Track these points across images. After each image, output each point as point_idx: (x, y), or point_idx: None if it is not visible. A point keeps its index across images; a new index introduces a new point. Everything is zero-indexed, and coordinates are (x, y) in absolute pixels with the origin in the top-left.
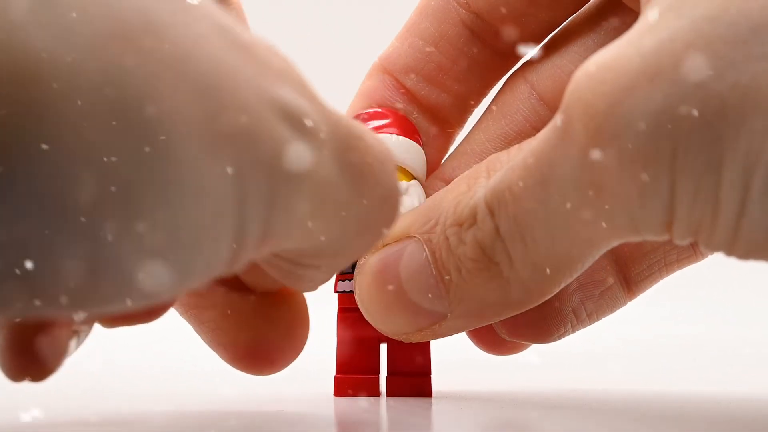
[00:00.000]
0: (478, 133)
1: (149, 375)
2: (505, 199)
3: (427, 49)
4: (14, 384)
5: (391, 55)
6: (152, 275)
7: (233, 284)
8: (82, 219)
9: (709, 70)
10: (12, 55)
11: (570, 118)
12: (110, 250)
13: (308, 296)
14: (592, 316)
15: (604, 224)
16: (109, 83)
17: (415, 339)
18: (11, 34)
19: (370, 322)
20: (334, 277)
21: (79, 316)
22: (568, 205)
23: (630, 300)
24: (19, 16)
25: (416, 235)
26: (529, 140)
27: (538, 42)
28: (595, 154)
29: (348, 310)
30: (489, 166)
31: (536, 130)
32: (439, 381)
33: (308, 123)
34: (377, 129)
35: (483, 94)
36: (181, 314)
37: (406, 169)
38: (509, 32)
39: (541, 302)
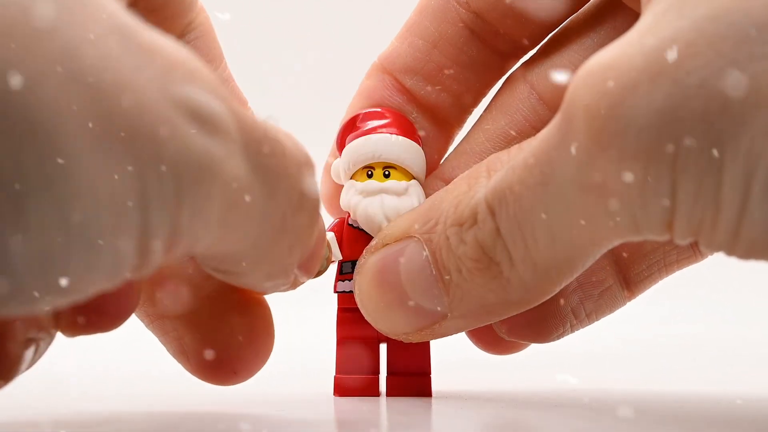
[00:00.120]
0: (477, 133)
1: (149, 376)
2: (506, 198)
3: (427, 49)
4: None
5: (390, 55)
6: (46, 275)
7: (196, 294)
8: None
9: (710, 70)
10: None
11: (571, 118)
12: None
13: (308, 296)
14: (592, 316)
15: (605, 224)
16: None
17: (415, 339)
18: None
19: (370, 322)
20: (334, 278)
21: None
22: (569, 205)
23: (629, 300)
24: None
25: (416, 235)
26: (529, 140)
27: (537, 42)
28: (597, 154)
29: (348, 310)
30: (489, 165)
31: (536, 129)
32: (439, 381)
33: (216, 122)
34: (377, 129)
35: (482, 93)
36: (146, 325)
37: (406, 168)
38: (509, 32)
39: (541, 302)
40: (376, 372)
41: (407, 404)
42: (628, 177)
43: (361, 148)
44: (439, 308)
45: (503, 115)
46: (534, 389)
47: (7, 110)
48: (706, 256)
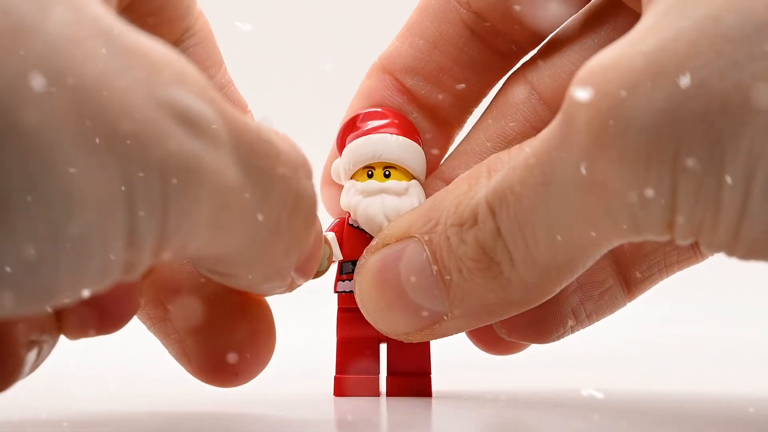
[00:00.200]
0: (478, 133)
1: (149, 376)
2: (506, 199)
3: (428, 49)
4: None
5: (391, 55)
6: (33, 278)
7: (197, 296)
8: None
9: (711, 70)
10: None
11: (572, 118)
12: None
13: (308, 296)
14: (592, 316)
15: (606, 224)
16: None
17: (415, 339)
18: None
19: (370, 322)
20: (334, 278)
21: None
22: (570, 205)
23: (629, 301)
24: None
25: (416, 235)
26: (530, 140)
27: (538, 42)
28: (597, 154)
29: (348, 310)
30: (490, 166)
31: (536, 129)
32: (439, 381)
33: (204, 124)
34: (377, 129)
35: (483, 93)
36: (148, 328)
37: (406, 168)
38: (509, 32)
39: (541, 302)
40: (376, 372)
41: (407, 404)
42: (629, 177)
43: (361, 148)
44: (439, 308)
45: (504, 116)
46: (534, 389)
47: None
48: (707, 257)
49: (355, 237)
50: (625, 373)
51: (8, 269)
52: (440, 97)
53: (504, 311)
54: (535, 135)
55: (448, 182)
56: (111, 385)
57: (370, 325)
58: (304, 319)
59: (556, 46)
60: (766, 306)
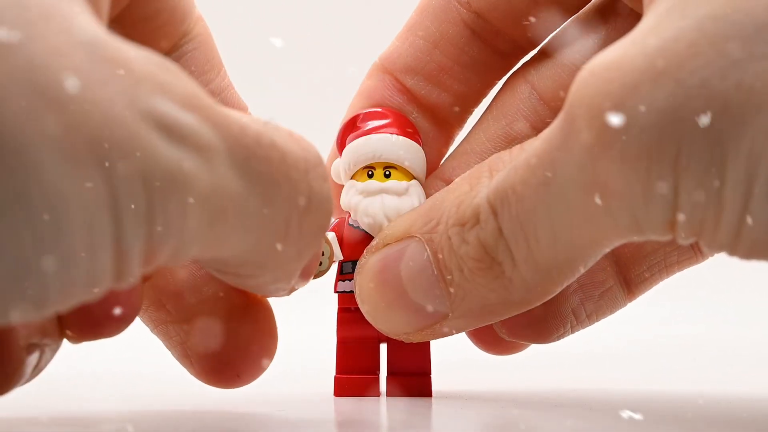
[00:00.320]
0: (478, 133)
1: (149, 376)
2: (508, 199)
3: (428, 49)
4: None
5: (391, 55)
6: (21, 289)
7: (199, 298)
8: None
9: (712, 70)
10: None
11: (574, 118)
12: None
13: (309, 296)
14: (592, 316)
15: (607, 224)
16: None
17: (416, 339)
18: None
19: (370, 322)
20: (334, 278)
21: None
22: (572, 205)
23: (630, 301)
24: None
25: (417, 235)
26: (531, 140)
27: (538, 42)
28: (599, 154)
29: (348, 310)
30: (491, 165)
31: (536, 130)
32: (439, 381)
33: (188, 133)
34: (377, 129)
35: (483, 93)
36: (151, 330)
37: (406, 168)
38: (510, 32)
39: (542, 302)
40: (376, 372)
41: (407, 404)
42: (630, 177)
43: (361, 148)
44: (440, 308)
45: (504, 116)
46: (534, 389)
47: None
48: (707, 258)
49: (355, 237)
50: (625, 373)
51: None
52: (440, 97)
53: (505, 311)
54: (535, 135)
55: (448, 182)
56: (111, 385)
57: (370, 325)
58: (304, 319)
59: (556, 46)
60: (766, 306)
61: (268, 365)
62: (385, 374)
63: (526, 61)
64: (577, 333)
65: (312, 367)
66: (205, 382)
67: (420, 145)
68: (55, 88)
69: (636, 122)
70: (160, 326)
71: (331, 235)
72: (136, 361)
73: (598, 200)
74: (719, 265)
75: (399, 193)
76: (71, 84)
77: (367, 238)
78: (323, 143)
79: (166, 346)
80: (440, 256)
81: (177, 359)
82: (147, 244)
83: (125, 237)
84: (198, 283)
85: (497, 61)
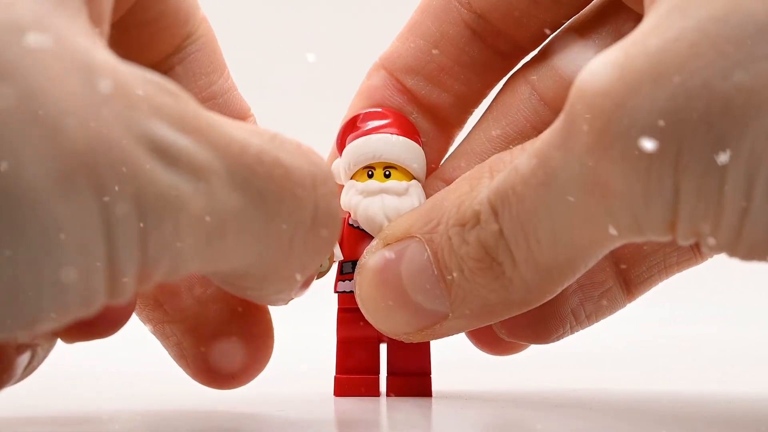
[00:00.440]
0: (478, 133)
1: (149, 376)
2: (508, 199)
3: (428, 49)
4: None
5: (391, 55)
6: (16, 310)
7: (196, 298)
8: None
9: (713, 71)
10: None
11: (574, 119)
12: None
13: (309, 296)
14: (591, 317)
15: (607, 224)
16: None
17: (416, 339)
18: None
19: (370, 322)
20: (334, 278)
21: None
22: (572, 205)
23: (629, 302)
24: None
25: (418, 235)
26: (532, 140)
27: (539, 43)
28: (599, 154)
29: (348, 310)
30: (492, 166)
31: (537, 130)
32: (439, 381)
33: (183, 156)
34: (377, 129)
35: (483, 94)
36: (150, 330)
37: (406, 168)
38: (510, 32)
39: (543, 303)
40: (377, 372)
41: (407, 404)
42: (631, 177)
43: (361, 148)
44: (440, 308)
45: (504, 116)
46: (534, 389)
47: None
48: (706, 258)
49: (355, 237)
50: (625, 373)
51: None
52: (441, 97)
53: (505, 311)
54: (536, 135)
55: (448, 182)
56: (110, 385)
57: (370, 325)
58: (304, 319)
59: (557, 46)
60: (766, 306)
61: (264, 367)
62: (385, 374)
63: (527, 62)
64: (576, 333)
65: (312, 367)
66: (201, 383)
67: (420, 145)
68: (50, 114)
69: (637, 123)
70: (157, 326)
71: None
72: (135, 361)
73: (598, 200)
74: (719, 266)
75: (399, 193)
76: (67, 110)
77: (367, 238)
78: (323, 143)
79: (163, 346)
80: (440, 256)
81: (174, 359)
82: (142, 265)
83: (119, 259)
84: (194, 283)
85: (498, 62)
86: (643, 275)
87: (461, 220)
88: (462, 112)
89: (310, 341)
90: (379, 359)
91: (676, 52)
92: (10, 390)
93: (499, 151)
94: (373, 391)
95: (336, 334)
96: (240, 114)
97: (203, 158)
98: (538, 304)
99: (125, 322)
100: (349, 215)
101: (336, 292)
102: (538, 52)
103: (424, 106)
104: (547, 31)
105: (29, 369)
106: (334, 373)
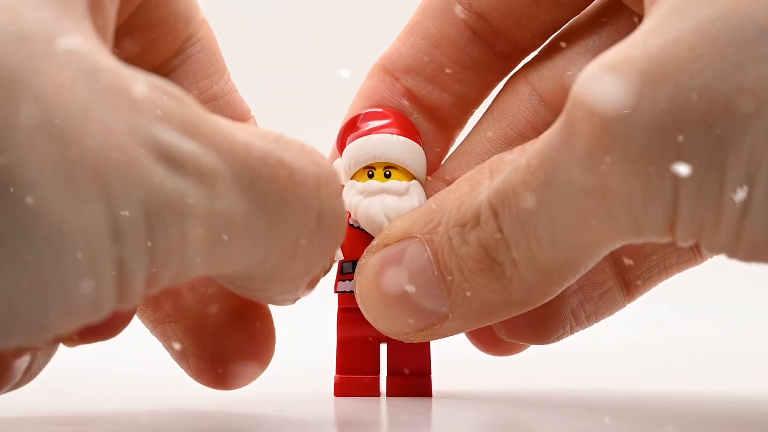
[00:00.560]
0: (478, 134)
1: (149, 376)
2: (508, 200)
3: (429, 50)
4: None
5: (392, 55)
6: (25, 316)
7: (197, 298)
8: None
9: (713, 72)
10: None
11: (574, 120)
12: None
13: (308, 297)
14: (591, 317)
15: (607, 225)
16: None
17: (416, 339)
18: None
19: (370, 322)
20: (334, 278)
21: None
22: (572, 206)
23: (629, 302)
24: None
25: (418, 236)
26: (532, 141)
27: (539, 43)
28: (599, 155)
29: (348, 310)
30: (492, 166)
31: (537, 131)
32: (439, 381)
33: (187, 161)
34: (378, 129)
35: (484, 94)
36: (150, 331)
37: (407, 169)
38: (511, 33)
39: (543, 303)
40: (377, 372)
41: (407, 404)
42: (631, 178)
43: (361, 148)
44: (440, 309)
45: (504, 117)
46: (534, 389)
47: None
48: (706, 259)
49: (355, 237)
50: (625, 373)
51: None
52: (441, 97)
53: (505, 312)
54: (536, 136)
55: (448, 183)
56: (110, 385)
57: (370, 325)
58: (304, 319)
59: (557, 47)
60: (766, 306)
61: (266, 367)
62: (385, 374)
63: (527, 62)
64: (576, 333)
65: (312, 367)
66: (202, 383)
67: (420, 145)
68: (57, 121)
69: (637, 124)
70: (158, 326)
71: None
72: (135, 361)
73: (598, 201)
74: (718, 266)
75: (399, 193)
76: (74, 117)
77: (367, 238)
78: (324, 144)
79: (164, 347)
80: (441, 256)
81: (175, 360)
82: (150, 270)
83: (128, 264)
84: (196, 283)
85: (498, 62)
86: (643, 276)
87: (461, 220)
88: (462, 113)
89: (310, 341)
90: (379, 359)
91: (676, 54)
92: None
93: (500, 152)
94: (373, 391)
95: (336, 334)
96: (241, 115)
97: (209, 162)
98: (538, 305)
99: (127, 325)
100: (350, 215)
101: (336, 292)
102: (539, 52)
103: (425, 106)
104: (547, 32)
105: (29, 374)
106: (334, 373)
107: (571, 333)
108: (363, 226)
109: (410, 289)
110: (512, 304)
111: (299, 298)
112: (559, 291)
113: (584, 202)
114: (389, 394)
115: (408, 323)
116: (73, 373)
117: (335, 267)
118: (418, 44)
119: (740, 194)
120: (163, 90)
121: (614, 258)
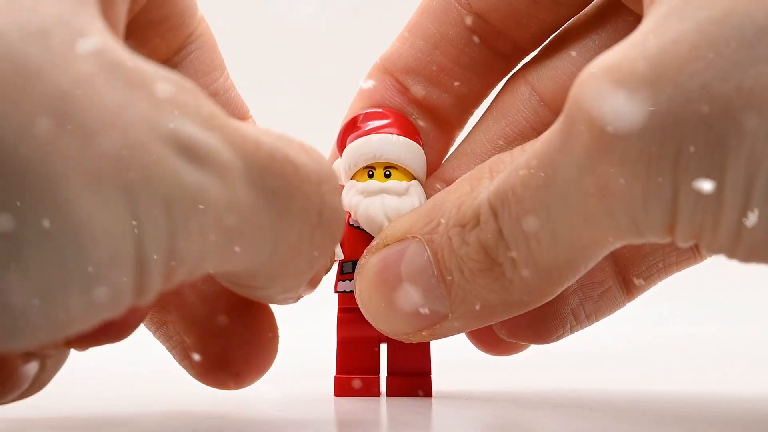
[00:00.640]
0: (478, 134)
1: (150, 376)
2: (508, 200)
3: (428, 50)
4: None
5: (392, 56)
6: (46, 312)
7: (200, 299)
8: None
9: (712, 73)
10: None
11: (574, 120)
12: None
13: (308, 297)
14: (591, 317)
15: (607, 225)
16: None
17: (416, 339)
18: None
19: (370, 322)
20: (334, 278)
21: None
22: (572, 207)
23: (629, 301)
24: None
25: (418, 236)
26: (532, 141)
27: (539, 43)
28: (599, 156)
29: (348, 310)
30: (492, 167)
31: (537, 131)
32: (439, 381)
33: (208, 155)
34: (378, 129)
35: (484, 94)
36: (153, 333)
37: (407, 169)
38: (510, 33)
39: (543, 303)
40: (377, 372)
41: (407, 404)
42: (630, 179)
43: (361, 148)
44: (440, 309)
45: (504, 117)
46: (534, 389)
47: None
48: (706, 258)
49: (355, 237)
50: (625, 373)
51: (22, 304)
52: (441, 97)
53: (505, 312)
54: (535, 136)
55: (448, 183)
56: (111, 385)
57: (370, 325)
58: (304, 319)
59: (557, 47)
60: (766, 306)
61: (269, 367)
62: (385, 374)
63: (527, 63)
64: (576, 333)
65: (312, 367)
66: (205, 384)
67: (420, 145)
68: (79, 117)
69: (636, 124)
70: (161, 327)
71: None
72: (136, 361)
73: (598, 202)
74: (718, 266)
75: (399, 193)
76: (94, 112)
77: (367, 238)
78: (324, 144)
79: (167, 348)
80: (441, 256)
81: (178, 361)
82: (168, 264)
83: (148, 258)
84: (198, 282)
85: (498, 62)
86: (643, 275)
87: (461, 220)
88: (462, 113)
89: (310, 341)
90: (379, 359)
91: (676, 54)
92: None
93: (499, 152)
94: (374, 391)
95: (336, 334)
96: (239, 114)
97: (225, 156)
98: (538, 305)
99: (138, 326)
100: (350, 215)
101: (336, 292)
102: (538, 52)
103: (425, 106)
104: (547, 32)
105: (39, 382)
106: (334, 373)
107: (571, 332)
108: (363, 226)
109: (410, 289)
110: (512, 305)
111: (301, 296)
112: (559, 291)
113: (584, 202)
114: (389, 394)
115: (408, 323)
116: (73, 374)
117: (335, 267)
118: (417, 44)
119: (740, 195)
120: (180, 83)
121: (614, 257)
